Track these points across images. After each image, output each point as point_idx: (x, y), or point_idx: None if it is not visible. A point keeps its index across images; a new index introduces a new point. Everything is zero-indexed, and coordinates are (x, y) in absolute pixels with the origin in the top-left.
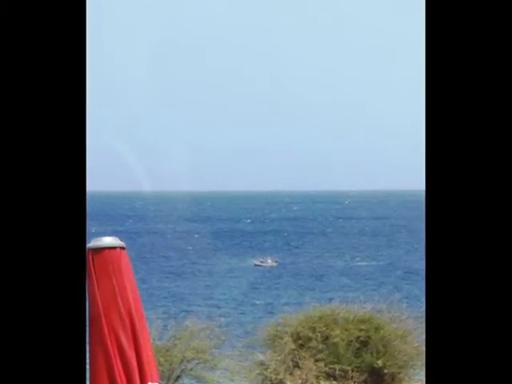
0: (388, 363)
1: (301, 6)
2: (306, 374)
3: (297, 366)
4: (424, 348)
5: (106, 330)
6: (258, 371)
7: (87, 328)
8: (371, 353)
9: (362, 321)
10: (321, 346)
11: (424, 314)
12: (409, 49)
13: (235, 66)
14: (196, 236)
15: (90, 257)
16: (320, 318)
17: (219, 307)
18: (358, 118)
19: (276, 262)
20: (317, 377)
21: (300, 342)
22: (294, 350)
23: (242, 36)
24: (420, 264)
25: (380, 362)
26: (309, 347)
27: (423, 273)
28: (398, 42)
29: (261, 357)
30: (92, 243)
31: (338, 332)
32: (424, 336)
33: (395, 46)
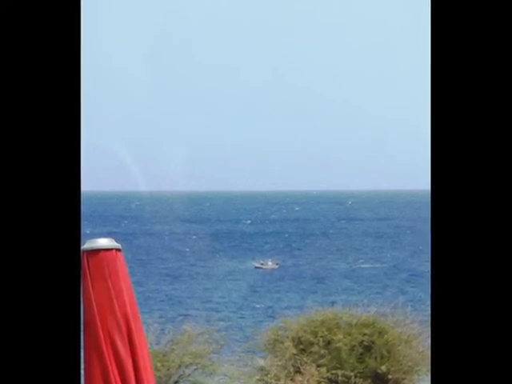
0: (392, 368)
1: (303, 4)
2: (308, 380)
3: (298, 371)
4: (429, 353)
5: (101, 335)
6: (258, 377)
7: (82, 332)
8: (375, 358)
9: (366, 325)
10: (323, 351)
11: (429, 317)
12: (415, 47)
13: (235, 64)
14: (194, 237)
15: (84, 259)
16: (322, 322)
17: (218, 311)
18: (362, 117)
19: (277, 264)
20: (319, 382)
21: (301, 346)
22: (295, 354)
23: (244, 33)
24: (425, 266)
25: (384, 368)
26: (310, 352)
27: (428, 275)
28: (404, 40)
29: (261, 362)
30: (87, 245)
31: (340, 336)
32: (429, 341)
33: (402, 44)
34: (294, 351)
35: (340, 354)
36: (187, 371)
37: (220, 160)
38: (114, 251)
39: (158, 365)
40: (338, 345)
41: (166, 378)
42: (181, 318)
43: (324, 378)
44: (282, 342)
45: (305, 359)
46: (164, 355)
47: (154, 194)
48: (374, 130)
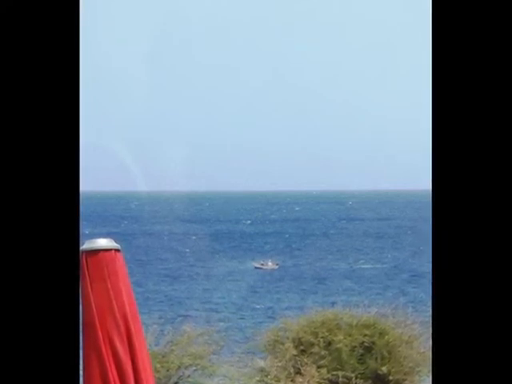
0: (393, 370)
1: (303, 4)
2: (308, 381)
3: (298, 372)
4: (430, 354)
5: (100, 335)
6: (258, 378)
7: (81, 333)
8: (375, 359)
9: (366, 326)
10: (323, 352)
11: (430, 318)
12: (415, 47)
13: (235, 64)
14: (194, 238)
15: (83, 259)
16: (322, 322)
17: (218, 311)
18: (362, 117)
19: (277, 264)
20: None
21: (302, 347)
22: (295, 355)
23: (244, 33)
24: (426, 267)
25: (385, 369)
26: (311, 353)
27: (430, 276)
28: (404, 40)
29: (261, 363)
30: (86, 245)
31: (341, 337)
32: (430, 341)
33: (402, 44)
34: (295, 352)
35: (340, 355)
36: (187, 372)
37: (220, 160)
38: (113, 251)
39: (158, 366)
40: (338, 346)
41: (166, 379)
42: (180, 318)
43: (324, 379)
44: (282, 343)
45: (305, 360)
46: (163, 356)
47: (153, 194)
48: (374, 130)
